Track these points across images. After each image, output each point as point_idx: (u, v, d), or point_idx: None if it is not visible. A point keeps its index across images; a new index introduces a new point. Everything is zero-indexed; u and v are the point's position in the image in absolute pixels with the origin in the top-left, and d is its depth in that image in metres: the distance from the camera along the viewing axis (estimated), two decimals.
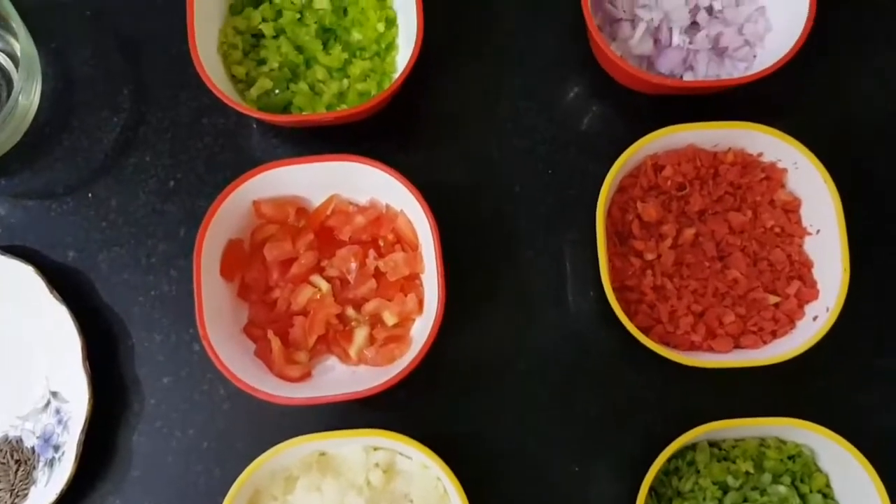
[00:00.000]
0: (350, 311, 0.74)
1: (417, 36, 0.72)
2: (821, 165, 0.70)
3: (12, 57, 0.79)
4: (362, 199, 0.76)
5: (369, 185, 0.73)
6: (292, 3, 0.78)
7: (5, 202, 0.79)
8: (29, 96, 0.77)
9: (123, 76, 0.81)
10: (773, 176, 0.73)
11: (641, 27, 0.77)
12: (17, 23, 0.74)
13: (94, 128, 0.80)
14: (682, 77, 0.78)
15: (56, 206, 0.79)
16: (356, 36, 0.79)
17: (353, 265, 0.74)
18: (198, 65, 0.71)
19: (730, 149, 0.74)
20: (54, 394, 0.74)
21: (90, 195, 0.79)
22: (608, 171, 0.71)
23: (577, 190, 0.78)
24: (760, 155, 0.73)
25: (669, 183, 0.73)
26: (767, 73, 0.71)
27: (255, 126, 0.80)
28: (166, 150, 0.80)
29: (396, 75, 0.78)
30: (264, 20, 0.78)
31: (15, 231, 0.78)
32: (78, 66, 0.81)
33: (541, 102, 0.80)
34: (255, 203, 0.73)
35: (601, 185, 0.70)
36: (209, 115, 0.80)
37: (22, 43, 0.75)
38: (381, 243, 0.75)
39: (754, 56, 0.78)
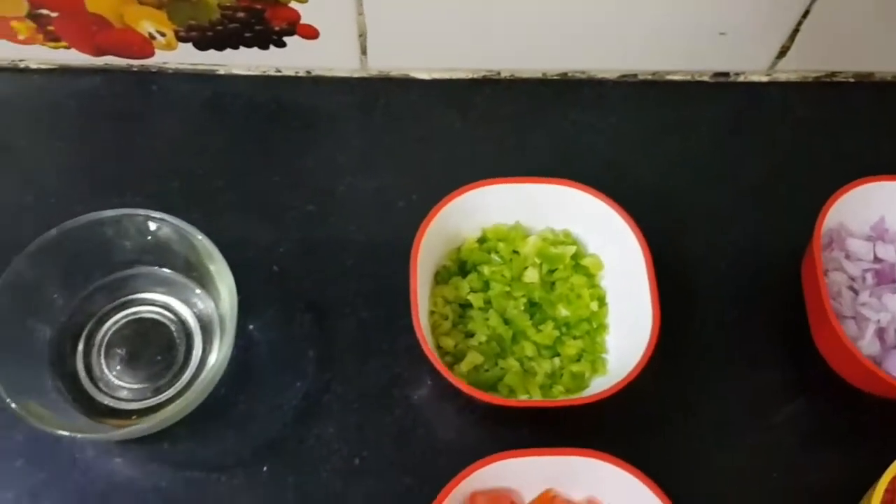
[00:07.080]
0: None
1: (654, 323, 0.68)
2: None
3: (198, 316, 0.74)
4: (579, 496, 0.68)
5: (591, 479, 0.66)
6: (503, 275, 0.74)
7: (167, 472, 0.69)
8: (221, 356, 0.69)
9: (308, 339, 0.75)
10: None
11: (871, 328, 0.73)
12: (225, 283, 0.69)
13: (273, 393, 0.73)
14: None
15: (225, 479, 0.69)
16: (563, 312, 0.74)
17: None
18: (422, 339, 0.66)
19: None
20: None
21: (265, 469, 0.70)
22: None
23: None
24: None
25: None
26: None
27: (450, 402, 0.73)
28: (352, 423, 0.72)
29: (605, 356, 0.74)
30: (472, 290, 0.74)
31: None
32: (259, 324, 0.75)
33: (757, 411, 0.75)
34: (473, 495, 0.65)
35: None
36: (400, 386, 0.73)
37: (223, 305, 0.70)
38: None
39: None
